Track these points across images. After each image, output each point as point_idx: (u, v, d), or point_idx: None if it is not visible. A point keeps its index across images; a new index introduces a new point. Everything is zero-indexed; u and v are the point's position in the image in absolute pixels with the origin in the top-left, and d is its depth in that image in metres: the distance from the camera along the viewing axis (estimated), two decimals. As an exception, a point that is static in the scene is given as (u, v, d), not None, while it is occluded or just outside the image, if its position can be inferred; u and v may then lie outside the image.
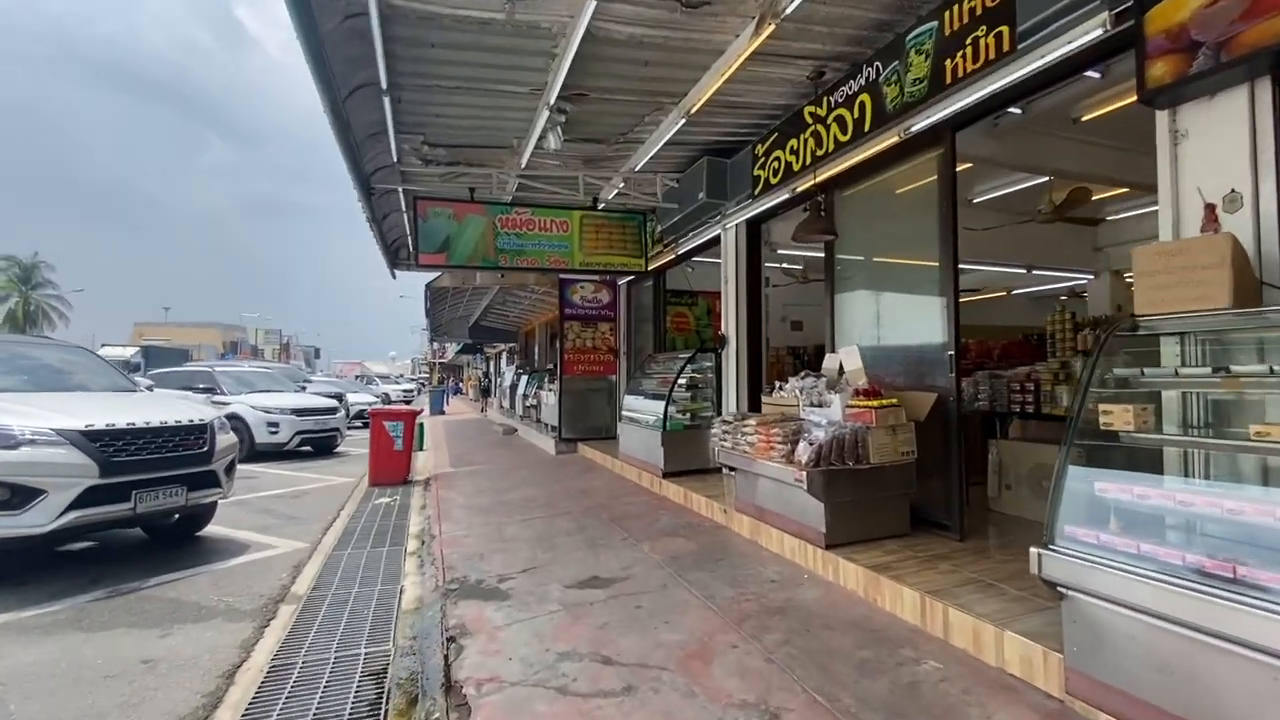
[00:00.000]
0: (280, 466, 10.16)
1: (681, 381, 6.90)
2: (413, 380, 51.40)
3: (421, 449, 12.40)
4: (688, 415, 7.02)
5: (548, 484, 7.76)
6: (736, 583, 4.03)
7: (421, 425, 12.57)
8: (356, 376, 44.32)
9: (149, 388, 6.39)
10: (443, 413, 24.12)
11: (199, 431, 4.97)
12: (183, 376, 11.80)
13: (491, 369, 33.45)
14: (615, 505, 6.33)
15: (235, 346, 78.36)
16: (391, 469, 8.57)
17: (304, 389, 13.37)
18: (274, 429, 10.72)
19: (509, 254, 5.91)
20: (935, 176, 4.41)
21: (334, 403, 11.98)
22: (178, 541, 5.46)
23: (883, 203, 5.15)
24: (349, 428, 17.70)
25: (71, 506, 4.16)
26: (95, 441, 4.34)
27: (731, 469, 5.25)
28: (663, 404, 6.72)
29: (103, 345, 39.40)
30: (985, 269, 8.84)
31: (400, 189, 6.49)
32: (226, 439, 5.30)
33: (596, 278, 10.61)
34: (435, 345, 52.95)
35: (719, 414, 6.85)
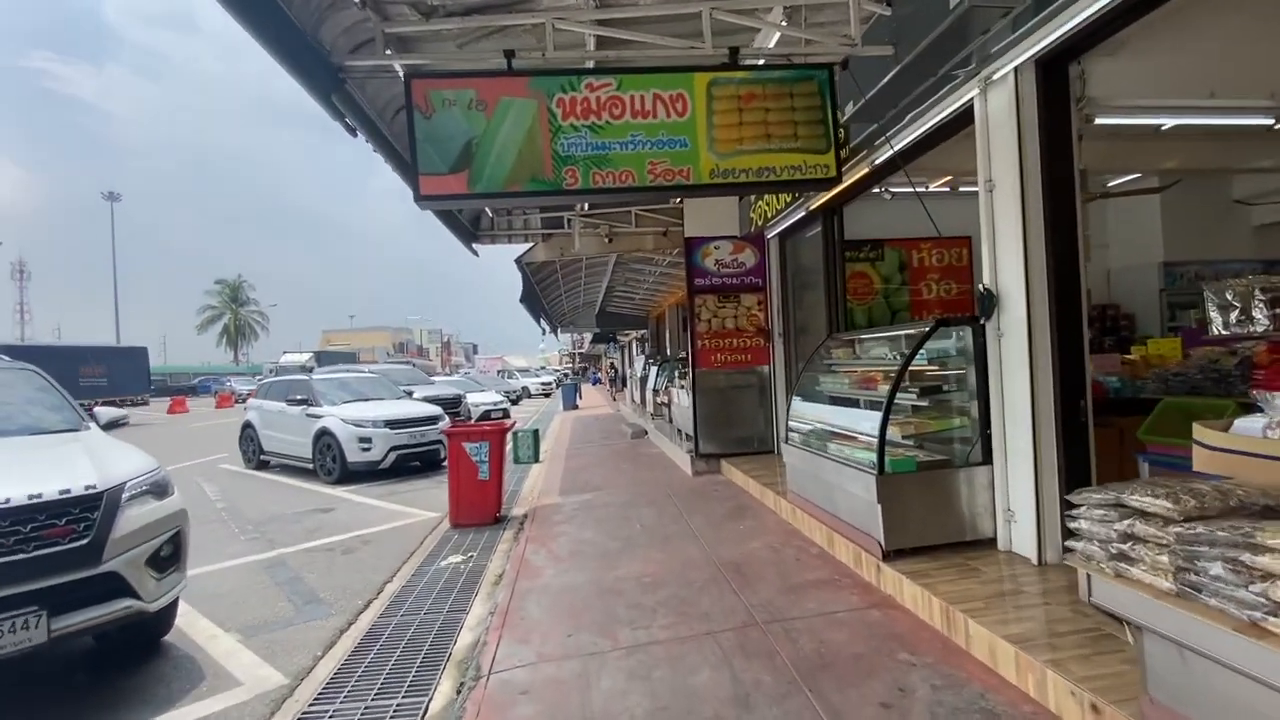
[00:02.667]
0: (368, 491, 8.58)
1: (903, 381, 3.84)
2: (556, 371, 51.75)
3: (537, 459, 10.42)
4: (918, 444, 3.98)
5: (680, 543, 5.10)
6: None
7: (535, 433, 10.58)
8: (498, 371, 45.20)
9: (112, 423, 4.69)
10: (576, 407, 22.60)
11: (75, 510, 2.94)
12: (281, 388, 10.79)
13: (623, 358, 31.74)
14: (801, 620, 3.49)
15: (403, 347, 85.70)
16: (477, 505, 6.46)
17: (410, 394, 11.98)
18: (366, 445, 9.20)
19: (579, 165, 3.29)
20: None
21: (435, 411, 10.32)
22: (119, 657, 3.57)
23: None
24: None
25: None
26: None
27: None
28: (874, 423, 3.74)
29: (284, 353, 43.63)
30: None
31: (398, 68, 3.79)
32: (147, 512, 3.26)
33: (733, 235, 7.73)
34: (575, 336, 53.04)
35: (983, 436, 3.73)
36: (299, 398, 10.07)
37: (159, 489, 3.40)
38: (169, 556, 3.35)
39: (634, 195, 3.18)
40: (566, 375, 39.12)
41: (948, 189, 7.56)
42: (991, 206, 3.72)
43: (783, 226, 6.96)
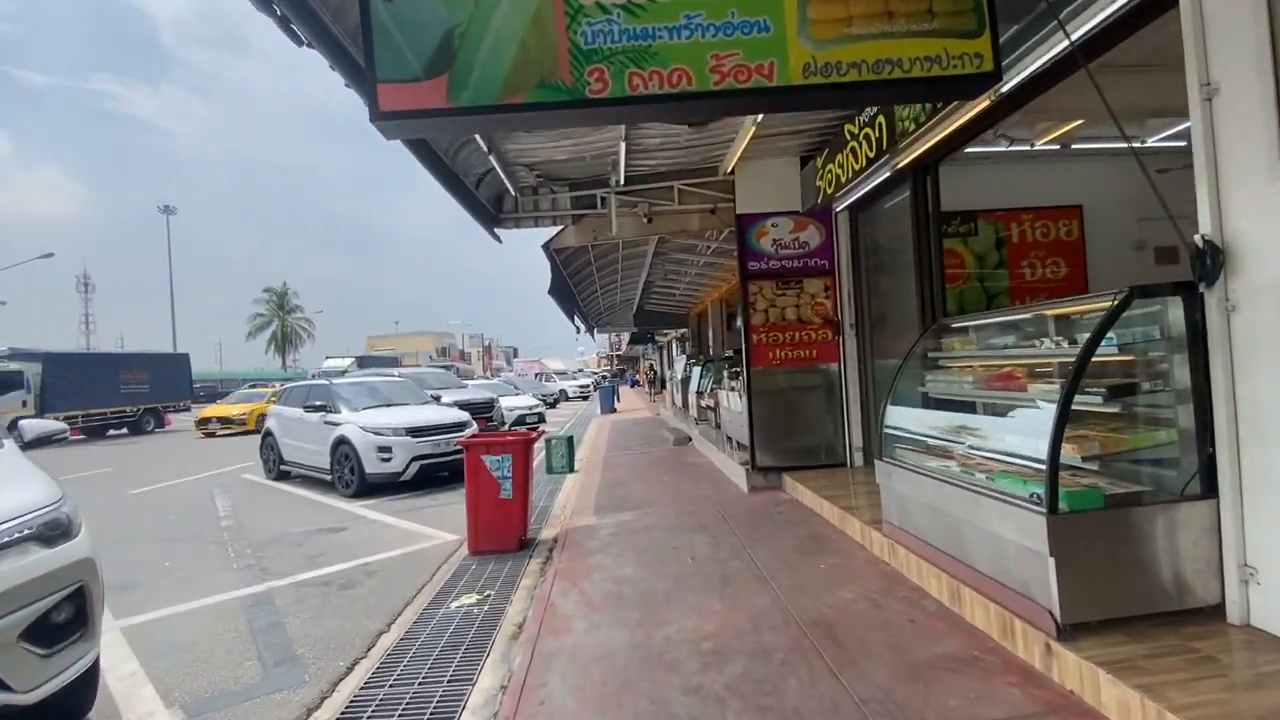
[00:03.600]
0: (386, 506, 7.76)
1: (1080, 379, 2.66)
2: (595, 374, 51.05)
3: (572, 469, 9.47)
4: (1105, 466, 2.80)
5: (745, 587, 4.03)
6: None
7: (570, 440, 9.65)
8: (536, 374, 44.71)
9: (42, 438, 3.88)
10: (614, 410, 21.67)
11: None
12: (300, 393, 10.12)
13: (662, 359, 30.68)
14: None
15: (445, 351, 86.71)
16: (498, 528, 5.53)
17: (438, 399, 11.20)
18: (386, 455, 8.40)
19: (609, 62, 2.07)
20: None
21: (462, 418, 9.48)
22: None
23: None
24: (514, 427, 15.88)
25: None
26: None
27: None
28: (1034, 437, 2.61)
29: (326, 358, 44.12)
30: None
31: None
32: (24, 566, 2.38)
33: (793, 211, 6.61)
34: (612, 338, 52.25)
35: (1203, 457, 2.56)
36: (317, 404, 9.37)
37: (51, 532, 2.52)
38: (63, 624, 2.47)
39: (689, 107, 2.14)
40: (605, 378, 38.35)
41: (1057, 146, 6.31)
42: (1211, 120, 2.54)
43: (856, 196, 5.82)
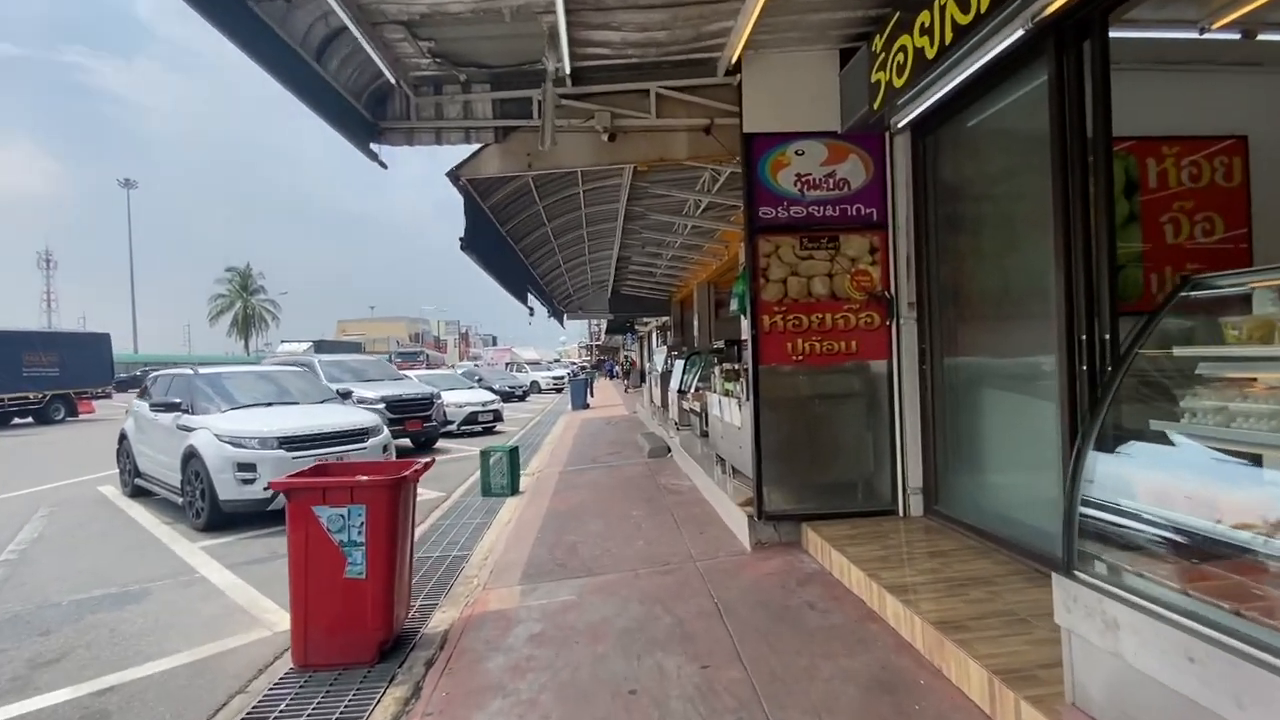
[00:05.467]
0: (233, 553, 5.46)
1: None
2: (573, 365, 48.65)
3: (514, 491, 7.26)
4: None
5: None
6: None
7: (513, 453, 7.42)
8: (506, 364, 42.24)
9: None
10: (586, 406, 19.42)
11: None
12: (164, 385, 7.72)
13: (642, 351, 28.47)
14: None
15: (419, 337, 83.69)
16: (342, 626, 3.34)
17: (346, 395, 8.84)
18: (248, 475, 6.09)
19: None
20: None
21: (366, 422, 7.18)
22: None
23: None
24: (467, 431, 13.53)
25: None
26: None
27: None
28: None
29: (282, 341, 41.35)
30: None
31: None
32: None
33: (829, 132, 4.41)
34: (592, 327, 49.90)
35: None
36: (172, 401, 7.00)
37: None
38: None
39: None
40: (582, 369, 36.08)
41: (1240, 32, 4.20)
42: None
43: (934, 99, 3.63)
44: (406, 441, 11.35)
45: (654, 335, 21.10)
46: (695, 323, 13.32)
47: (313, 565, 3.31)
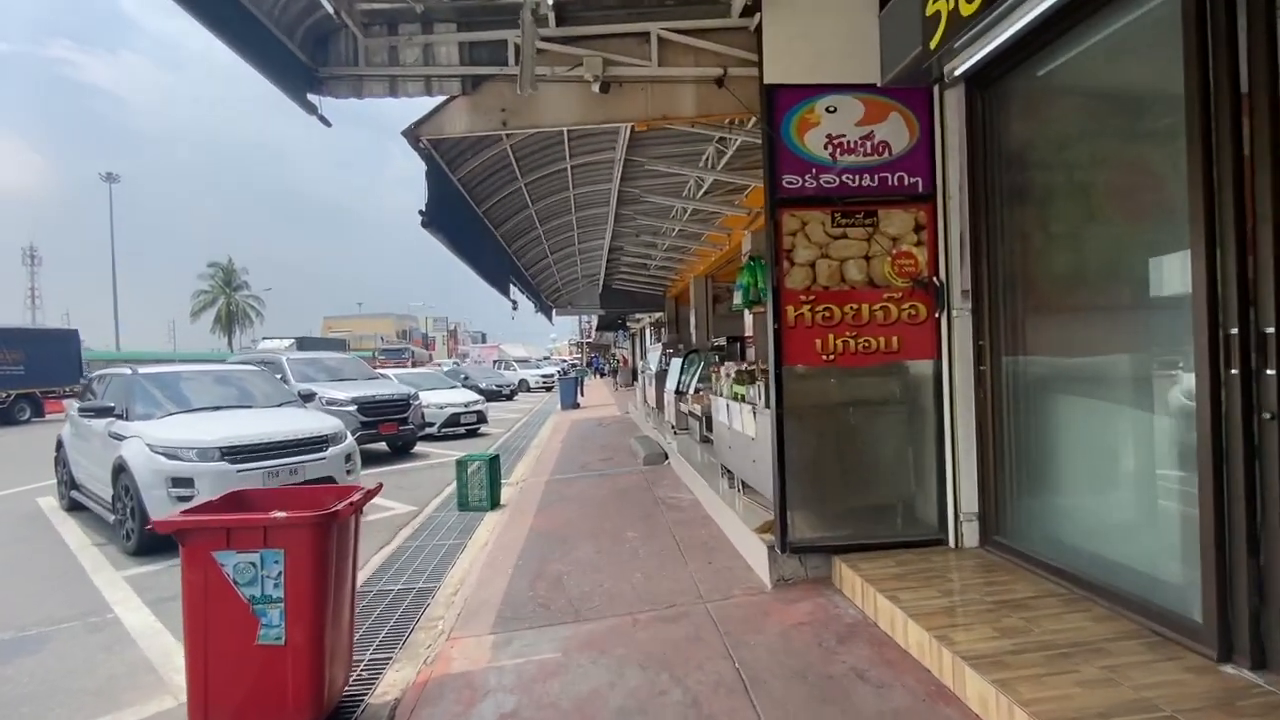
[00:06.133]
0: (161, 583, 4.66)
1: None
2: (564, 362, 47.75)
3: (494, 505, 6.49)
4: None
5: None
6: None
7: (494, 461, 6.65)
8: (495, 362, 41.32)
9: None
10: (576, 406, 18.65)
11: None
12: (101, 386, 6.86)
13: (634, 349, 27.69)
14: None
15: (407, 334, 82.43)
16: (254, 701, 2.54)
17: (310, 399, 8.01)
18: (184, 490, 5.28)
19: None
20: None
21: (326, 429, 6.36)
22: None
23: None
24: (449, 434, 12.67)
25: None
26: None
27: None
28: None
29: (263, 338, 40.12)
30: None
31: None
32: None
33: (866, 85, 3.66)
34: (583, 323, 48.94)
35: None
36: (104, 405, 6.16)
37: None
38: None
39: None
40: (573, 366, 35.26)
41: None
42: None
43: (1007, 37, 2.89)
44: (383, 446, 10.55)
45: (647, 332, 20.33)
46: (692, 319, 12.57)
47: (215, 629, 2.53)
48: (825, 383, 3.71)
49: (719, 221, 8.46)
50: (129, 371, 6.64)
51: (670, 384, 9.98)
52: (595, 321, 29.34)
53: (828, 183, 3.69)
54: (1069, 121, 3.27)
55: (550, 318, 17.02)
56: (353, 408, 9.30)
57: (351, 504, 2.73)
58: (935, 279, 3.72)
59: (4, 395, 19.28)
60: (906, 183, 3.73)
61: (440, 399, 12.48)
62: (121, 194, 48.63)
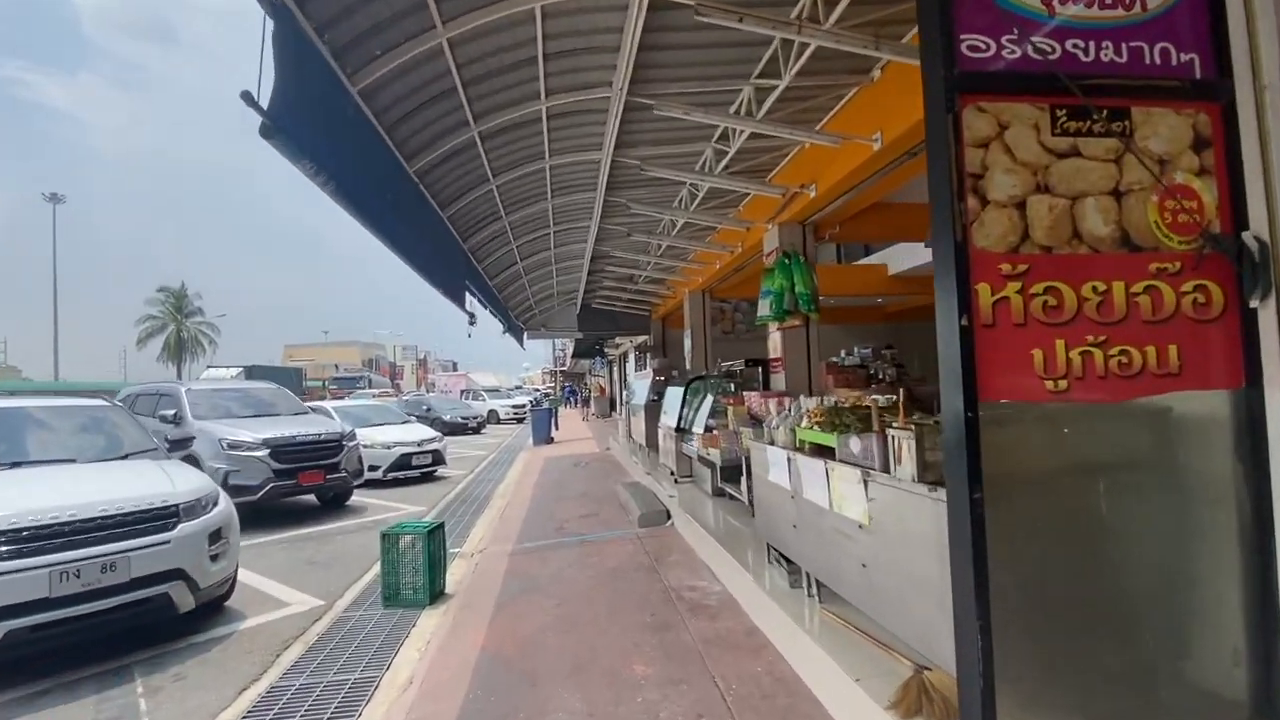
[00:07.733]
0: None
1: None
2: (536, 391, 45.44)
3: (436, 597, 4.50)
4: None
5: None
6: None
7: (436, 532, 4.65)
8: (462, 392, 38.93)
9: None
10: (549, 440, 16.60)
11: None
12: None
13: (611, 376, 25.77)
14: None
15: (374, 363, 79.01)
16: None
17: (185, 442, 5.92)
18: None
19: None
20: None
21: (183, 494, 4.29)
22: None
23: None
24: (398, 479, 10.45)
25: None
26: None
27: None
28: None
29: (208, 367, 37.12)
30: None
31: None
32: None
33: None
34: (557, 350, 46.84)
35: None
36: None
37: None
38: None
39: None
40: (546, 396, 33.08)
41: None
42: None
43: None
44: (311, 499, 8.42)
45: (630, 358, 18.50)
46: (686, 341, 10.78)
47: None
48: (1057, 432, 1.90)
49: (734, 214, 6.72)
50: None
51: (667, 419, 8.12)
52: (571, 348, 27.46)
53: (1045, 49, 1.94)
54: None
55: (521, 341, 15.07)
56: (263, 452, 7.19)
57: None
58: (1240, 237, 1.97)
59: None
60: (1178, 61, 2.01)
61: (388, 436, 10.36)
62: (76, 218, 45.48)
